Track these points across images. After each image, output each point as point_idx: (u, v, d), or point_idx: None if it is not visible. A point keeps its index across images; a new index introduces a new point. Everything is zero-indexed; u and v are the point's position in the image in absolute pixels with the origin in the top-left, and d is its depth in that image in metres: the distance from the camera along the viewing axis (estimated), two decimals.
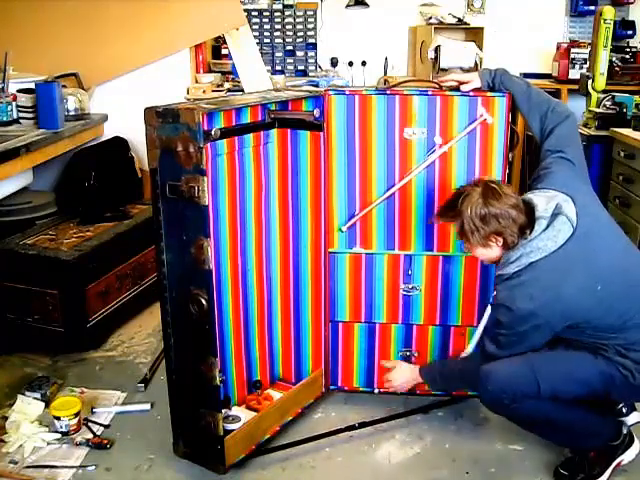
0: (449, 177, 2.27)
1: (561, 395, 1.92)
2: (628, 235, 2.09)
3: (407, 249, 2.33)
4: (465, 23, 4.83)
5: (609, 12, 3.52)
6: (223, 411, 2.08)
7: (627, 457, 2.08)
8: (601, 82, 3.63)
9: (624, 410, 2.17)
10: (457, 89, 2.20)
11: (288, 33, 4.73)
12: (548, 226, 1.84)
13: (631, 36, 4.91)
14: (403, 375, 2.27)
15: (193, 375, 1.99)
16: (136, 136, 3.41)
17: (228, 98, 2.42)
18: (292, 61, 4.78)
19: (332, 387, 2.51)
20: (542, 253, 1.83)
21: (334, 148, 2.27)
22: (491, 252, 1.94)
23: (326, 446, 2.25)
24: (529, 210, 1.89)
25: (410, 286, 2.36)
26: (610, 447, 2.06)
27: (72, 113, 3.33)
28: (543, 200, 1.89)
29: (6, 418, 2.34)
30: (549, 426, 2.01)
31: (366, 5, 4.75)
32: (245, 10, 4.08)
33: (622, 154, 3.24)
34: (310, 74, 4.77)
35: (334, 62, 4.99)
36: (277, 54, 4.75)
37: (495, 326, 1.94)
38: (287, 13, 4.71)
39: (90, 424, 2.33)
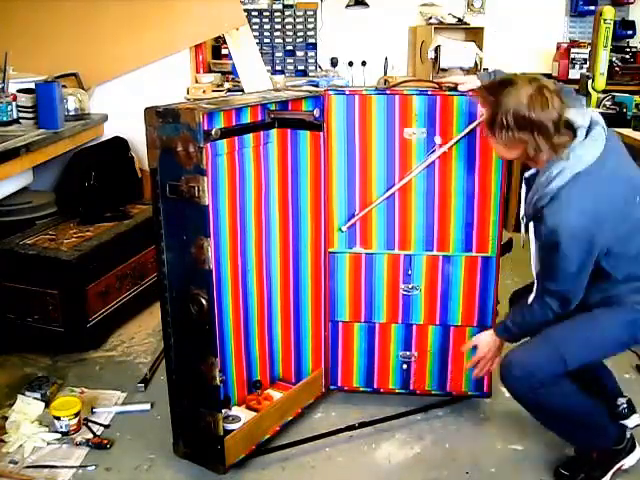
0: (449, 177, 2.27)
1: (590, 361, 1.93)
2: None
3: (407, 249, 2.33)
4: (465, 23, 4.83)
5: (609, 12, 3.52)
6: (223, 411, 2.08)
7: (628, 462, 2.08)
8: (601, 82, 3.64)
9: (624, 411, 2.18)
10: (456, 89, 2.20)
11: (288, 33, 4.74)
12: (587, 135, 1.78)
13: (631, 36, 4.91)
14: (486, 344, 2.12)
15: (193, 375, 1.99)
16: (136, 136, 3.42)
17: (228, 98, 2.42)
18: (292, 61, 4.78)
19: (332, 387, 2.51)
20: (584, 164, 1.76)
21: (334, 148, 2.27)
22: (511, 154, 1.85)
23: (326, 446, 2.25)
24: (567, 125, 1.80)
25: (410, 286, 2.36)
26: (613, 450, 2.06)
27: (72, 113, 3.33)
28: (579, 114, 1.83)
29: (6, 418, 2.34)
30: (567, 418, 1.97)
31: (366, 5, 4.75)
32: (245, 10, 4.09)
33: None
34: (310, 74, 4.77)
35: (334, 62, 4.99)
36: (277, 54, 4.76)
37: (548, 259, 1.84)
38: (287, 13, 4.72)
39: (90, 424, 2.33)
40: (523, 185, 1.96)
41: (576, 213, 1.75)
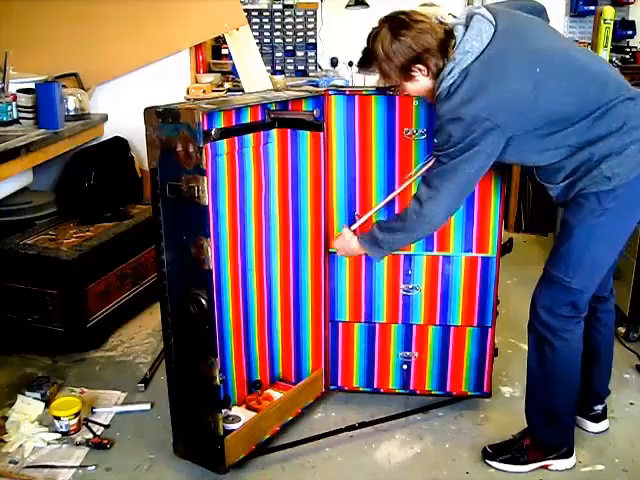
0: None
1: (599, 275, 1.97)
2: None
3: (407, 249, 2.32)
4: None
5: (609, 12, 3.52)
6: (223, 411, 2.08)
7: (557, 466, 2.11)
8: None
9: (597, 416, 2.26)
10: None
11: (288, 33, 4.73)
12: (467, 28, 1.83)
13: (631, 36, 4.91)
14: (347, 244, 2.16)
15: (193, 375, 1.99)
16: (136, 136, 3.41)
17: (228, 98, 2.42)
18: (292, 61, 4.78)
19: (332, 387, 2.51)
20: (472, 56, 1.78)
21: (334, 148, 2.27)
22: (420, 84, 1.88)
23: (326, 446, 2.25)
24: (448, 31, 1.87)
25: (410, 286, 2.36)
26: (548, 446, 2.10)
27: (72, 113, 3.33)
28: (458, 17, 1.93)
29: (6, 418, 2.34)
30: (552, 390, 2.04)
31: (366, 5, 4.74)
32: (245, 10, 4.08)
33: None
34: (310, 74, 4.77)
35: (334, 62, 4.99)
36: (277, 54, 4.75)
37: (436, 153, 1.90)
38: (287, 13, 4.71)
39: (90, 424, 2.33)
40: None
41: (466, 102, 1.77)
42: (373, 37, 1.87)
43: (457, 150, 1.82)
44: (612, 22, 3.54)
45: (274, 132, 2.26)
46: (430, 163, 2.13)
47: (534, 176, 2.03)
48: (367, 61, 1.91)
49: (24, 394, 2.43)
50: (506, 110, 1.78)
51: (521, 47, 1.81)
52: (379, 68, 1.88)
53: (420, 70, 1.85)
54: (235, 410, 2.27)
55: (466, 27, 1.83)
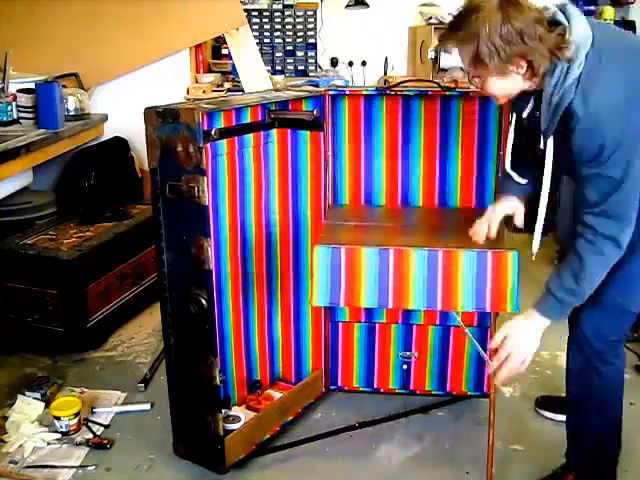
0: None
1: None
2: None
3: None
4: None
5: (609, 12, 3.53)
6: (223, 411, 2.08)
7: None
8: None
9: None
10: (455, 87, 2.19)
11: (288, 33, 4.73)
12: (566, 14, 1.60)
13: None
14: (523, 337, 1.72)
15: (193, 375, 1.99)
16: (136, 136, 3.41)
17: (228, 98, 2.42)
18: (292, 61, 4.78)
19: (332, 387, 2.51)
20: (588, 39, 1.56)
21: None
22: (510, 84, 1.60)
23: (326, 446, 2.25)
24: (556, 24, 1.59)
25: None
26: None
27: (72, 113, 3.32)
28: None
29: (6, 418, 2.34)
30: (601, 418, 1.90)
31: (366, 5, 4.75)
32: (245, 10, 4.08)
33: None
34: (310, 74, 4.77)
35: (334, 62, 4.99)
36: (277, 54, 4.75)
37: (589, 173, 1.58)
38: (287, 13, 4.71)
39: (90, 424, 2.33)
40: (513, 127, 1.80)
41: (611, 84, 1.54)
42: (476, 11, 1.52)
43: (621, 158, 1.54)
44: (612, 22, 3.54)
45: (274, 132, 2.25)
46: None
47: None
48: (460, 38, 1.56)
49: (24, 394, 2.43)
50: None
51: (625, 36, 1.70)
52: (476, 52, 1.54)
53: (520, 67, 1.56)
54: (235, 410, 2.27)
55: (564, 13, 1.59)
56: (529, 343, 1.71)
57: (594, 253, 1.63)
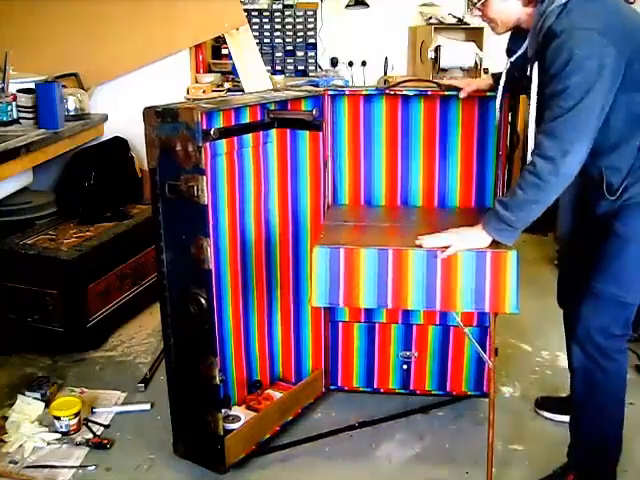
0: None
1: None
2: None
3: None
4: (465, 23, 4.83)
5: None
6: (223, 411, 2.08)
7: None
8: None
9: None
10: (455, 89, 2.19)
11: (288, 33, 4.74)
12: None
13: None
14: (461, 238, 1.80)
15: (193, 375, 1.99)
16: (136, 136, 3.40)
17: (228, 98, 2.42)
18: (292, 61, 4.78)
19: (332, 387, 2.51)
20: None
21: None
22: (511, 6, 1.74)
23: (326, 446, 2.25)
24: None
25: None
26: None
27: (72, 113, 3.33)
28: None
29: (6, 418, 2.34)
30: (600, 416, 1.91)
31: (366, 5, 4.75)
32: (245, 10, 4.08)
33: None
34: (310, 74, 4.77)
35: (334, 62, 5.00)
36: (277, 54, 4.75)
37: (553, 90, 1.64)
38: (287, 13, 4.72)
39: (90, 424, 2.33)
40: (505, 72, 1.91)
41: (589, 15, 1.62)
42: None
43: (583, 81, 1.59)
44: None
45: (273, 132, 2.25)
46: None
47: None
48: None
49: (24, 394, 2.43)
50: (622, 33, 1.65)
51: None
52: None
53: None
54: (235, 410, 2.27)
55: None
56: (466, 239, 1.80)
57: (529, 172, 1.70)
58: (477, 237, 1.80)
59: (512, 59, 1.85)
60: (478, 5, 1.77)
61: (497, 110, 2.00)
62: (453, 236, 1.80)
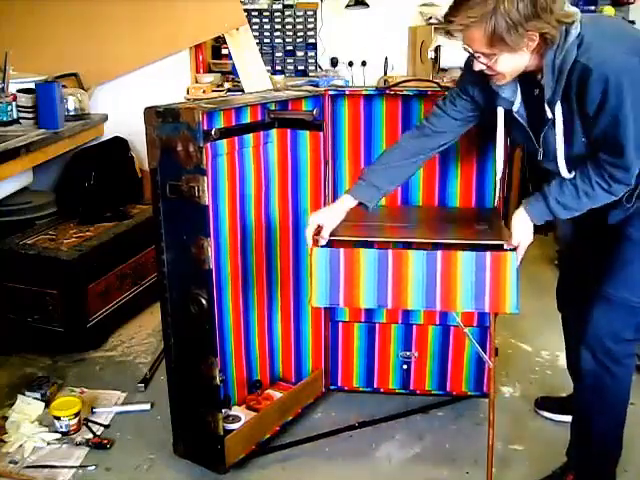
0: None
1: None
2: None
3: None
4: None
5: (609, 12, 3.52)
6: (223, 411, 2.08)
7: None
8: None
9: None
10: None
11: (288, 33, 4.73)
12: None
13: None
14: (526, 230, 1.83)
15: (193, 375, 1.99)
16: (136, 136, 3.41)
17: (228, 98, 2.42)
18: (292, 61, 4.78)
19: (332, 387, 2.51)
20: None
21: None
22: (519, 59, 1.62)
23: (326, 446, 2.25)
24: None
25: None
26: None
27: (72, 113, 3.33)
28: None
29: (6, 418, 2.34)
30: (606, 422, 1.91)
31: (366, 5, 4.74)
32: (245, 10, 4.08)
33: None
34: (310, 74, 4.77)
35: (334, 62, 4.99)
36: (277, 54, 4.75)
37: (605, 128, 1.60)
38: (287, 13, 4.71)
39: (90, 424, 2.33)
40: (501, 123, 1.83)
41: (618, 48, 1.57)
42: None
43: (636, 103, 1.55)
44: None
45: (274, 132, 2.25)
46: None
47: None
48: (474, 15, 1.53)
49: (24, 394, 2.43)
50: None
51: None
52: (492, 28, 1.53)
53: (532, 42, 1.57)
54: (235, 410, 2.27)
55: None
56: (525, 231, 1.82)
57: (607, 192, 1.69)
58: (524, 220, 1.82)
59: (516, 109, 1.76)
60: (487, 63, 1.63)
61: (500, 161, 1.94)
62: (516, 235, 1.82)
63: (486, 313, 2.32)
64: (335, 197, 2.33)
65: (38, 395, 2.43)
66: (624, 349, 1.83)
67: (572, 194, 1.73)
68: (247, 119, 2.15)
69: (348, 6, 4.77)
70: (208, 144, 1.92)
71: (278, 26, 4.71)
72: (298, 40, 4.74)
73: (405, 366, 2.45)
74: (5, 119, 2.97)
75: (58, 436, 2.26)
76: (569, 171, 1.73)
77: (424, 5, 4.96)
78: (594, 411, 1.92)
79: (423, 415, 2.42)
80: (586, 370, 1.89)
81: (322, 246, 1.88)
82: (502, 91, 1.74)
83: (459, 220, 2.19)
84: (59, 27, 3.57)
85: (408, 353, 2.44)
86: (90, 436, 2.27)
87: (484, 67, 1.65)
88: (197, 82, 4.10)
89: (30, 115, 3.05)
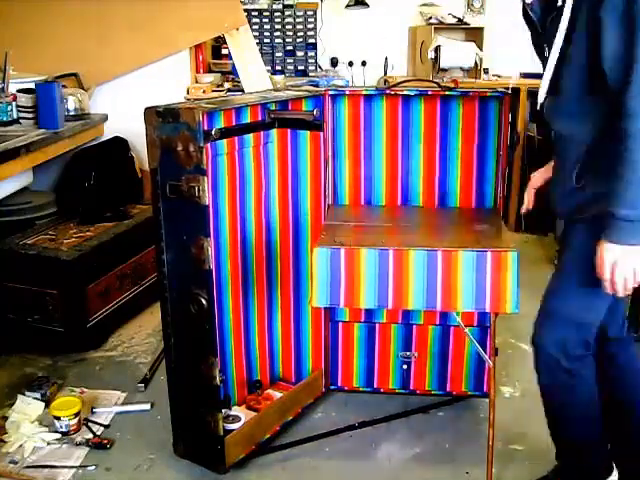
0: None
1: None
2: None
3: None
4: (465, 23, 4.82)
5: None
6: (223, 411, 2.08)
7: None
8: None
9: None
10: (455, 87, 2.19)
11: (288, 33, 4.73)
12: None
13: None
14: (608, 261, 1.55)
15: (193, 375, 1.99)
16: (136, 136, 3.41)
17: (228, 98, 2.42)
18: (292, 61, 4.77)
19: (332, 387, 2.51)
20: None
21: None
22: None
23: (326, 446, 2.25)
24: None
25: None
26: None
27: (72, 113, 3.33)
28: None
29: (6, 418, 2.34)
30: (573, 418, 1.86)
31: (366, 5, 4.74)
32: (245, 10, 4.08)
33: None
34: (310, 74, 4.76)
35: (334, 62, 4.99)
36: (277, 54, 4.75)
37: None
38: (287, 13, 4.71)
39: (90, 424, 2.33)
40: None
41: None
42: None
43: None
44: None
45: (274, 132, 2.25)
46: None
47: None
48: None
49: (24, 394, 2.43)
50: None
51: None
52: None
53: None
54: (235, 410, 2.27)
55: None
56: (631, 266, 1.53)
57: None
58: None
59: (529, 0, 1.70)
60: None
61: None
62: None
63: (486, 313, 2.32)
64: (335, 197, 2.34)
65: (38, 395, 2.43)
66: (579, 363, 1.75)
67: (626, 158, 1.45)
68: (247, 119, 2.15)
69: (348, 6, 4.77)
70: (208, 144, 1.92)
71: (278, 26, 4.71)
72: (298, 40, 4.74)
73: (405, 366, 2.45)
74: (5, 119, 2.97)
75: (58, 436, 2.26)
76: (553, 103, 1.59)
77: (424, 5, 4.96)
78: (562, 426, 1.90)
79: (423, 415, 2.42)
80: (546, 385, 1.84)
81: (322, 246, 1.88)
82: None
83: (459, 220, 2.19)
84: (59, 27, 3.57)
85: (408, 353, 2.44)
86: (90, 436, 2.27)
87: None
88: (197, 82, 4.11)
89: (30, 115, 3.05)
